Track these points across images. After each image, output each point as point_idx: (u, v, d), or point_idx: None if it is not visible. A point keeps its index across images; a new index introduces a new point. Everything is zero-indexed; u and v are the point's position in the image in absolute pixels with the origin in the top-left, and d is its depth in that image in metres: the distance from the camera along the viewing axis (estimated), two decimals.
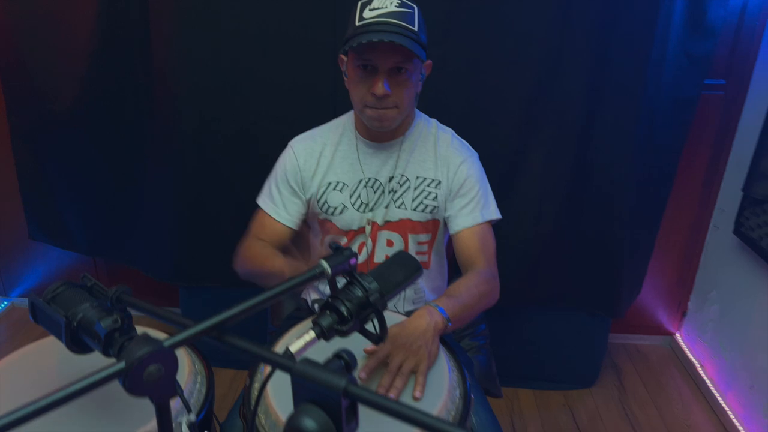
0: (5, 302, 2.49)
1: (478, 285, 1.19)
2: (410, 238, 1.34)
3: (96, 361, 0.68)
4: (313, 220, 1.38)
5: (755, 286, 1.91)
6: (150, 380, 0.60)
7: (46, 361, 1.07)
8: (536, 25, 1.71)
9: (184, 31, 1.76)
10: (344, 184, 1.32)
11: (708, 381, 2.16)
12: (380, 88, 1.13)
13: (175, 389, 0.64)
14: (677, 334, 2.41)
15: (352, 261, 0.77)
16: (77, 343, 0.81)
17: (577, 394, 2.15)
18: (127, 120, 1.95)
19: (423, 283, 1.41)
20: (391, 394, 0.98)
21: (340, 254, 0.76)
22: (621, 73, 1.75)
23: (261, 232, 1.33)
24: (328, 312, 0.77)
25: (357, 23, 1.15)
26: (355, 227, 1.34)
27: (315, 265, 0.75)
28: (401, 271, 0.84)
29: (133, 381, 0.59)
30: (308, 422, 0.57)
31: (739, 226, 1.95)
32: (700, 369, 2.22)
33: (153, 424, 0.88)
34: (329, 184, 1.33)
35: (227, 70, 1.79)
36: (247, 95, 1.80)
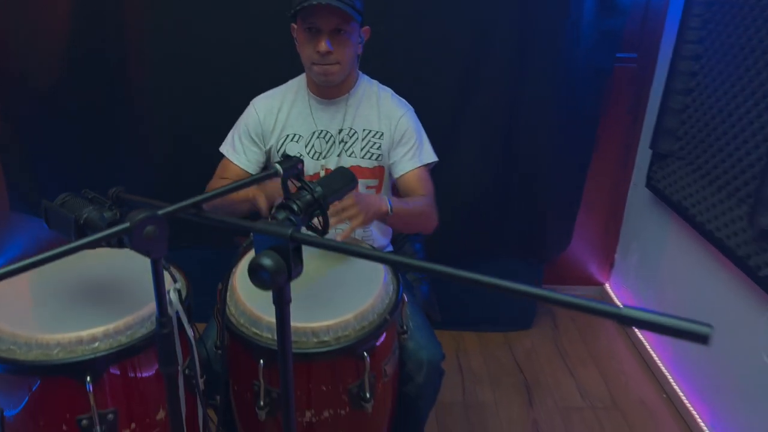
0: None
1: (419, 202, 1.45)
2: (360, 183, 1.57)
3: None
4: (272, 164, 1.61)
5: (665, 232, 2.20)
6: (148, 238, 0.82)
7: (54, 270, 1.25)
8: (467, 7, 1.96)
9: (156, 4, 1.96)
10: (300, 135, 1.55)
11: None
12: (323, 46, 1.37)
13: (167, 250, 0.86)
14: (606, 284, 2.70)
15: (300, 165, 1.00)
16: (83, 236, 1.02)
17: (516, 334, 2.42)
18: (104, 94, 2.12)
19: (372, 224, 1.64)
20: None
21: (289, 160, 0.99)
22: (541, 47, 2.02)
23: (224, 174, 1.55)
24: (282, 209, 1.00)
25: None
26: (311, 173, 1.56)
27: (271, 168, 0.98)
28: (340, 179, 1.07)
29: (136, 237, 0.81)
30: (266, 260, 0.79)
31: (650, 180, 2.23)
32: None
33: (147, 309, 1.10)
34: (287, 136, 1.55)
35: (196, 39, 1.99)
36: (213, 61, 2.00)
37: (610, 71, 2.20)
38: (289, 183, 1.02)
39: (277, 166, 0.98)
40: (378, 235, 1.65)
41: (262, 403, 1.18)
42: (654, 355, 2.23)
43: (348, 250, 0.80)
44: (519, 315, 2.46)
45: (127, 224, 0.81)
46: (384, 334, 1.22)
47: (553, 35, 2.00)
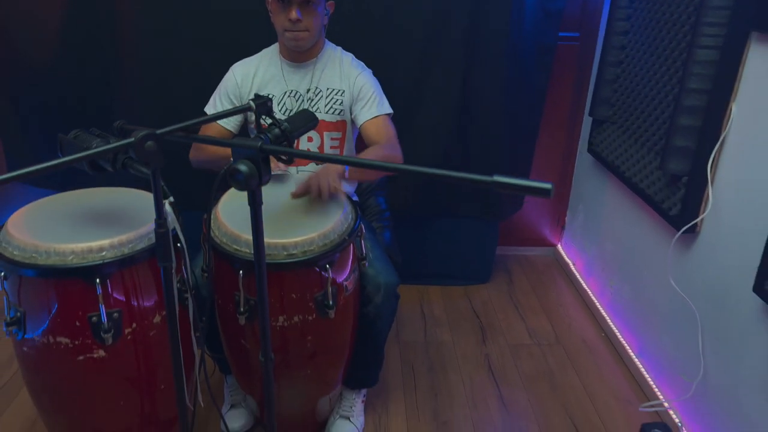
0: None
1: (376, 150, 1.67)
2: (325, 135, 1.81)
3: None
4: (250, 124, 1.83)
5: (604, 192, 2.47)
6: (149, 150, 1.05)
7: (69, 201, 1.47)
8: None
9: None
10: (273, 95, 1.78)
11: (576, 273, 2.72)
12: (294, 14, 1.60)
13: (163, 164, 1.09)
14: (558, 245, 2.97)
15: (269, 103, 1.23)
16: (94, 167, 1.24)
17: (475, 288, 2.68)
18: (96, 64, 2.33)
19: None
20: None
21: (260, 98, 1.23)
22: (490, 26, 2.26)
23: (207, 131, 1.77)
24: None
25: None
26: None
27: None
28: (303, 118, 1.31)
29: (138, 149, 1.04)
30: (241, 166, 1.02)
31: (591, 145, 2.50)
32: (572, 266, 2.78)
33: (145, 228, 1.32)
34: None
35: (182, 12, 2.20)
36: (195, 32, 2.22)
37: (554, 48, 2.45)
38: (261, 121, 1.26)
39: (251, 102, 1.21)
40: (345, 187, 1.88)
41: (242, 309, 1.41)
42: (596, 302, 2.50)
43: (310, 156, 1.04)
44: (477, 271, 2.71)
45: (131, 139, 1.04)
46: (342, 252, 1.46)
47: (500, 15, 2.25)
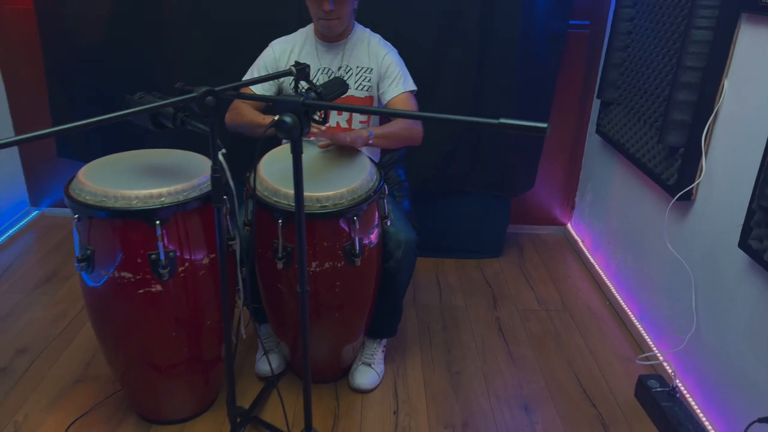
0: (36, 211, 3.06)
1: (400, 123, 1.86)
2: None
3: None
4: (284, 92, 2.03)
5: (611, 170, 2.62)
6: (208, 105, 1.24)
7: (132, 158, 1.68)
8: None
9: None
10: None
11: (585, 248, 2.88)
12: (327, 5, 1.78)
13: (218, 118, 1.28)
14: (569, 224, 3.13)
15: (307, 69, 1.42)
16: (157, 124, 1.44)
17: (487, 261, 2.84)
18: (139, 49, 2.55)
19: (363, 148, 2.06)
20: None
21: (300, 64, 1.41)
22: (502, 13, 2.43)
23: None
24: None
25: None
26: None
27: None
28: (336, 83, 1.50)
29: (201, 104, 1.23)
30: (287, 117, 1.22)
31: (599, 126, 2.65)
32: (581, 243, 2.94)
33: (205, 177, 1.52)
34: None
35: (222, 3, 2.41)
36: (240, 8, 2.42)
37: (565, 35, 2.61)
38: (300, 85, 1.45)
39: (292, 68, 1.40)
40: (369, 155, 2.07)
41: (280, 255, 1.60)
42: (602, 274, 2.65)
43: (343, 108, 1.23)
44: (490, 245, 2.88)
45: (194, 93, 1.23)
46: (368, 207, 1.64)
47: (512, 4, 2.41)
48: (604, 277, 2.63)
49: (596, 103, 2.73)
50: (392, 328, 2.02)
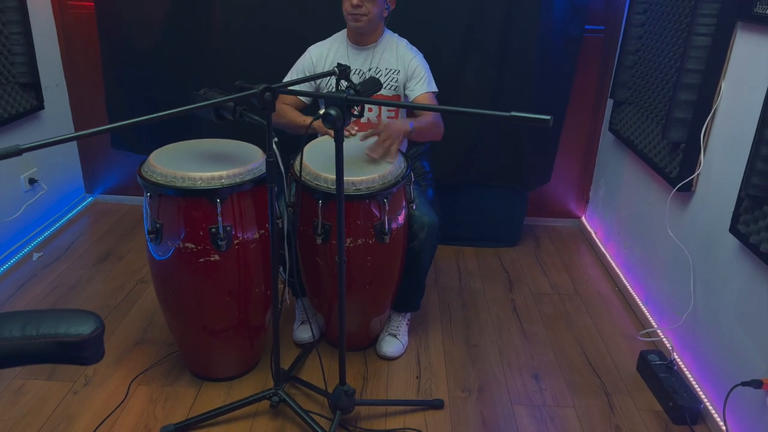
0: (90, 198, 3.34)
1: (428, 118, 2.09)
2: (383, 107, 2.22)
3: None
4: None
5: (622, 165, 2.81)
6: (266, 100, 1.48)
7: (195, 146, 1.92)
8: None
9: None
10: None
11: (597, 240, 3.07)
12: (355, 0, 2.00)
13: (274, 109, 1.51)
14: (583, 217, 3.31)
15: (348, 70, 1.65)
16: (219, 116, 1.68)
17: (505, 249, 3.05)
18: (190, 51, 2.81)
19: None
20: (375, 155, 1.88)
21: (342, 66, 1.65)
22: (521, 19, 2.63)
23: (284, 100, 2.19)
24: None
25: None
26: None
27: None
28: (372, 82, 1.73)
29: (260, 98, 1.47)
30: (332, 110, 1.45)
31: (612, 124, 2.84)
32: (594, 235, 3.13)
33: (257, 163, 1.76)
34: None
35: (265, 12, 2.66)
36: (278, 20, 2.67)
37: (580, 39, 2.81)
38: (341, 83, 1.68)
39: (335, 69, 1.64)
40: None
41: (319, 231, 1.84)
42: (612, 263, 2.84)
43: (382, 103, 1.45)
44: (508, 235, 3.08)
45: (255, 90, 1.47)
46: (397, 191, 1.87)
47: (531, 10, 2.62)
48: (614, 265, 2.81)
49: (610, 103, 2.92)
50: (416, 303, 2.24)
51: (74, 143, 3.21)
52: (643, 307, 2.46)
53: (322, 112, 1.46)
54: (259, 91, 1.46)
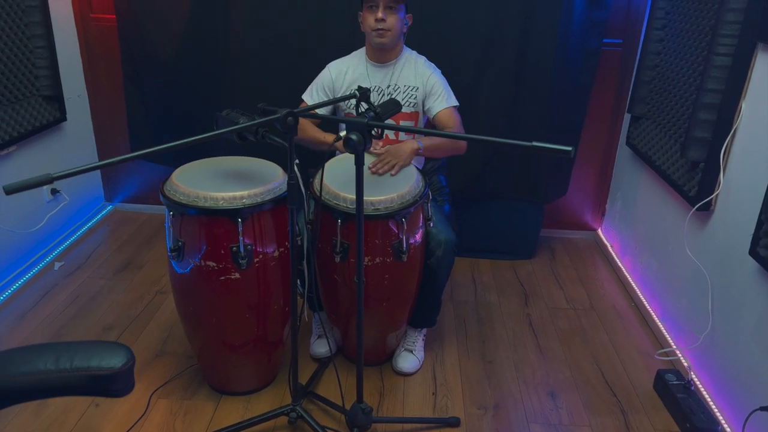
0: (110, 206, 3.39)
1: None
2: (401, 123, 2.23)
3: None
4: (341, 112, 2.28)
5: (639, 180, 2.80)
6: (288, 125, 1.50)
7: (217, 165, 1.95)
8: (482, 1, 2.60)
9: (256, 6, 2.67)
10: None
11: (613, 253, 3.06)
12: (380, 14, 2.02)
13: (296, 133, 1.53)
14: (599, 230, 3.30)
15: (368, 93, 1.67)
16: (241, 137, 1.70)
17: (521, 262, 3.05)
18: (209, 64, 2.84)
19: None
20: (379, 171, 1.90)
21: (362, 89, 1.66)
22: (540, 31, 2.63)
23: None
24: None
25: None
26: None
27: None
28: (391, 104, 1.74)
29: (283, 122, 1.49)
30: (353, 135, 1.46)
31: (629, 139, 2.83)
32: (610, 248, 3.12)
33: (277, 183, 1.78)
34: (351, 90, 2.22)
35: (283, 28, 2.69)
36: (296, 40, 2.69)
37: (599, 53, 2.80)
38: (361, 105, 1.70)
39: (356, 92, 1.65)
40: (414, 162, 2.31)
41: (337, 250, 1.86)
42: (629, 277, 2.83)
43: (400, 128, 1.47)
44: (524, 247, 3.08)
45: (278, 115, 1.49)
46: (415, 210, 1.88)
47: (549, 21, 2.62)
48: (630, 280, 2.81)
49: (627, 117, 2.91)
50: (432, 319, 2.25)
51: (94, 152, 3.25)
52: (659, 324, 2.46)
53: (343, 134, 1.48)
54: (282, 116, 1.48)
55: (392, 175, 1.93)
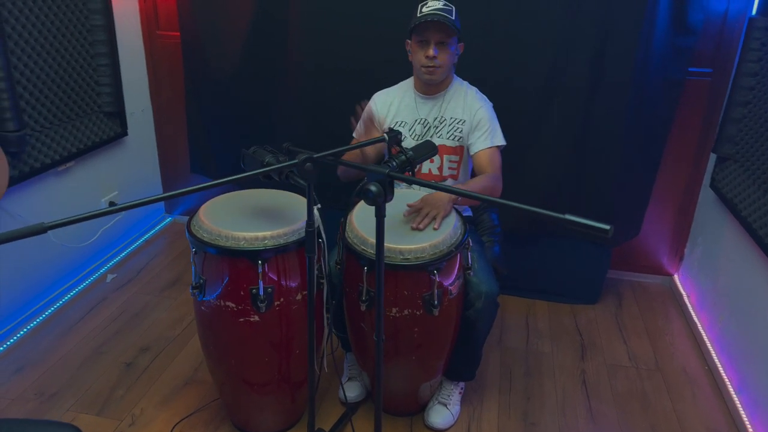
0: (169, 218, 3.45)
1: (482, 180, 1.93)
2: (445, 158, 2.08)
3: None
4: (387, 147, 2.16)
5: (722, 228, 2.49)
6: (308, 171, 1.39)
7: (241, 201, 1.89)
8: (548, 23, 2.39)
9: (313, 26, 2.61)
10: (405, 122, 2.09)
11: (689, 304, 2.75)
12: (431, 51, 1.88)
13: (316, 180, 1.42)
14: (675, 275, 2.99)
15: (399, 136, 1.54)
16: (265, 176, 1.62)
17: (582, 307, 2.80)
18: (266, 87, 2.81)
19: None
20: (420, 226, 1.75)
21: (393, 132, 1.53)
22: (614, 57, 2.39)
23: (366, 151, 2.10)
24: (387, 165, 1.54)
25: (418, 14, 1.91)
26: None
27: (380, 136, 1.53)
28: (426, 148, 1.60)
29: (301, 169, 1.39)
30: (372, 186, 1.34)
31: (714, 181, 2.52)
32: (686, 298, 2.80)
33: (304, 222, 1.68)
34: (396, 122, 2.10)
35: (340, 52, 2.61)
36: (351, 62, 2.61)
37: (682, 83, 2.52)
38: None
39: (385, 135, 1.53)
40: (459, 208, 2.15)
41: (363, 298, 1.74)
42: (704, 335, 2.52)
43: (425, 183, 1.33)
44: (586, 291, 2.83)
45: (296, 161, 1.39)
46: (449, 261, 1.73)
47: (626, 48, 2.37)
48: (706, 339, 2.50)
49: (712, 157, 2.60)
50: (470, 372, 2.09)
51: (156, 164, 3.31)
52: (735, 396, 2.16)
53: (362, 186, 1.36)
54: (300, 161, 1.38)
55: (435, 229, 1.78)
